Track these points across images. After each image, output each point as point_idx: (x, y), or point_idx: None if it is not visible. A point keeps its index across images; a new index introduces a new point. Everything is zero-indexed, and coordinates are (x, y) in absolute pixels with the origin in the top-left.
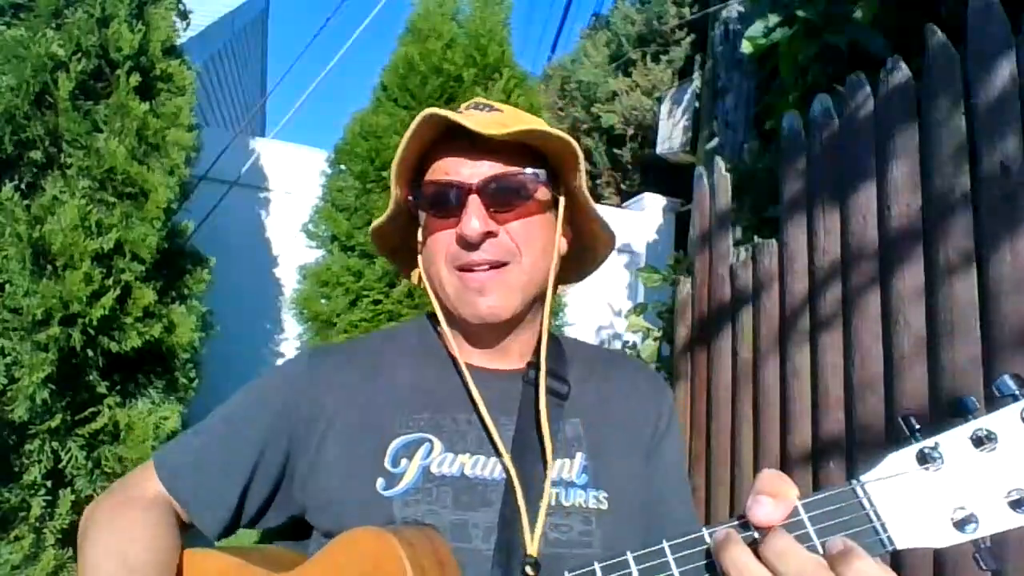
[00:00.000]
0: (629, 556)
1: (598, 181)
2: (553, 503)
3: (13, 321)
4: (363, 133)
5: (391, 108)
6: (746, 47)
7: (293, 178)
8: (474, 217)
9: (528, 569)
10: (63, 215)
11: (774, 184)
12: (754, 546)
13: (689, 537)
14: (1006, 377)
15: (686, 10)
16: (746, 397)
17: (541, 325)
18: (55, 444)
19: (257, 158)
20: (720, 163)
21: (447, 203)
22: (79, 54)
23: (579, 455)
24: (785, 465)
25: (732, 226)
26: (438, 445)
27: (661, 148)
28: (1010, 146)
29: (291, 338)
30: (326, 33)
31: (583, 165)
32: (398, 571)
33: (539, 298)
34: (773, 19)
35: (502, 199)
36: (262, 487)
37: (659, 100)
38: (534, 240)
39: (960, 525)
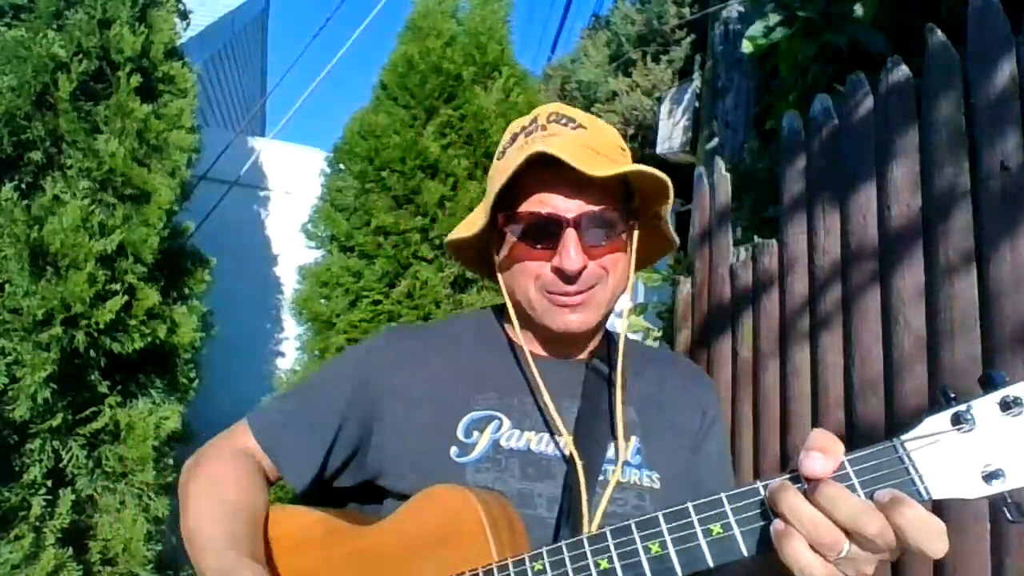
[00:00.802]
0: (689, 506)
1: None
2: (609, 479)
3: (14, 321)
4: (362, 132)
5: (391, 107)
6: (746, 47)
7: (293, 178)
8: (573, 252)
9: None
10: (64, 216)
11: (774, 184)
12: (805, 495)
13: (744, 489)
14: (994, 373)
15: (686, 10)
16: (746, 397)
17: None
18: (56, 443)
19: (257, 158)
20: (720, 163)
21: (543, 235)
22: (80, 55)
23: (633, 438)
24: (785, 465)
25: (732, 226)
26: (507, 422)
27: (661, 148)
28: (1010, 145)
29: (291, 338)
30: (326, 33)
31: (671, 200)
32: (475, 522)
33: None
34: (773, 19)
35: (596, 235)
36: (342, 450)
37: (659, 100)
38: (618, 263)
39: (988, 479)
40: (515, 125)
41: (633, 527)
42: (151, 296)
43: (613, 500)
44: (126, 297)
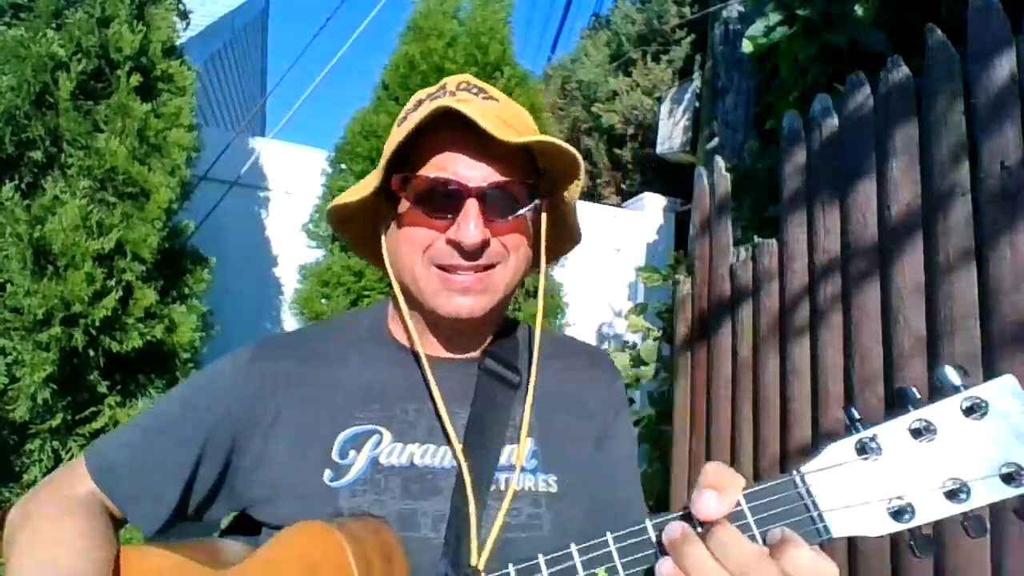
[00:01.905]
0: (573, 548)
1: (598, 181)
2: (502, 489)
3: (14, 321)
4: (364, 132)
5: (392, 107)
6: (746, 46)
7: (293, 178)
8: (472, 224)
9: (475, 555)
10: (64, 215)
11: (774, 184)
12: (700, 537)
13: (632, 529)
14: (948, 368)
15: (686, 10)
16: (746, 395)
17: (499, 316)
18: (56, 443)
19: (257, 158)
20: (720, 163)
21: (441, 202)
22: (79, 54)
23: (529, 440)
24: (785, 463)
25: (732, 226)
26: (387, 436)
27: (661, 148)
28: (1010, 144)
29: None
30: (326, 33)
31: (582, 180)
32: (343, 567)
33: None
34: (774, 18)
35: (499, 208)
36: (205, 482)
37: (659, 100)
38: (521, 245)
39: (896, 515)
40: (421, 93)
41: (512, 574)
42: (149, 295)
43: (506, 512)
44: (121, 293)
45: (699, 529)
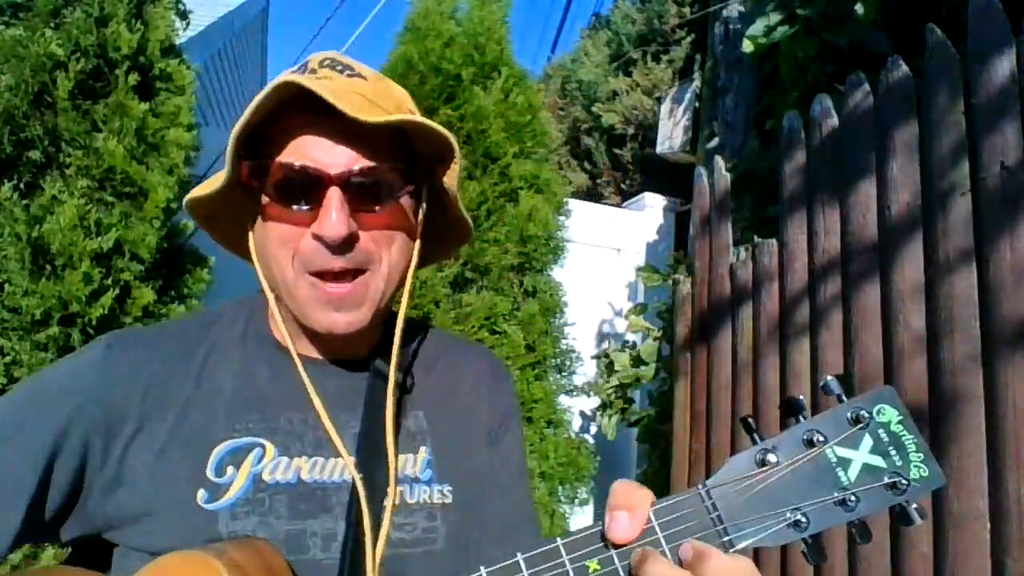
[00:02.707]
0: (483, 572)
1: (598, 181)
2: (397, 502)
3: (12, 321)
4: None
5: None
6: (747, 46)
7: None
8: (335, 215)
9: (371, 574)
10: (62, 215)
11: (774, 184)
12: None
13: (543, 550)
14: (830, 378)
15: (686, 9)
16: (746, 396)
17: (385, 313)
18: None
19: None
20: (720, 163)
21: (300, 193)
22: (78, 54)
23: (423, 449)
24: None
25: (732, 226)
26: (271, 449)
27: (661, 148)
28: (1009, 144)
29: None
30: (326, 33)
31: (459, 163)
32: None
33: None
34: (774, 18)
35: (367, 197)
36: (53, 501)
37: (659, 100)
38: (394, 241)
39: (795, 525)
40: (285, 73)
41: None
42: (146, 294)
43: (401, 527)
44: (117, 291)
45: (612, 551)
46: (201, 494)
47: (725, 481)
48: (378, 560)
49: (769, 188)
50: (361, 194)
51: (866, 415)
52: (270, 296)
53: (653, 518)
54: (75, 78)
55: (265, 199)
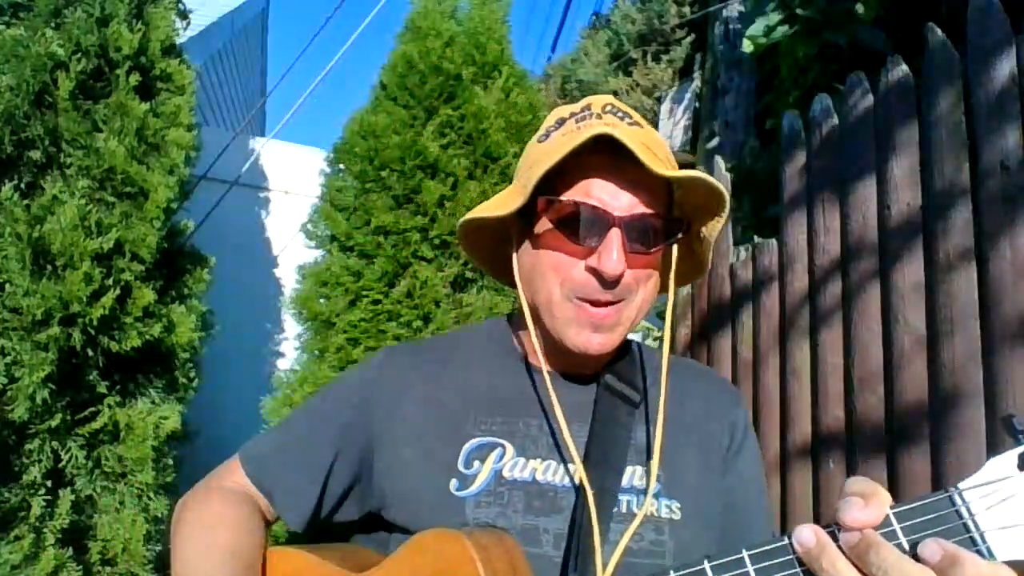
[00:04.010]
0: (706, 565)
1: None
2: (624, 511)
3: (13, 321)
4: (362, 132)
5: (390, 107)
6: (747, 46)
7: (292, 178)
8: (615, 254)
9: None
10: (63, 215)
11: (774, 184)
12: (846, 555)
13: (770, 546)
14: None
15: (686, 9)
16: (746, 396)
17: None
18: (55, 444)
19: (257, 158)
20: (720, 163)
21: (584, 228)
22: (79, 54)
23: (652, 463)
24: (785, 463)
25: (732, 226)
26: (510, 450)
27: None
28: (1010, 144)
29: (290, 338)
30: (326, 33)
31: (724, 219)
32: (471, 574)
33: None
34: (774, 18)
35: (641, 241)
36: (339, 483)
37: (659, 99)
38: (651, 278)
39: None
40: (563, 110)
41: None
42: (147, 294)
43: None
44: (118, 292)
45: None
46: (453, 482)
47: (981, 483)
48: (611, 567)
49: (769, 188)
50: (636, 237)
51: None
52: (526, 308)
53: (894, 520)
54: (76, 78)
55: (545, 226)
